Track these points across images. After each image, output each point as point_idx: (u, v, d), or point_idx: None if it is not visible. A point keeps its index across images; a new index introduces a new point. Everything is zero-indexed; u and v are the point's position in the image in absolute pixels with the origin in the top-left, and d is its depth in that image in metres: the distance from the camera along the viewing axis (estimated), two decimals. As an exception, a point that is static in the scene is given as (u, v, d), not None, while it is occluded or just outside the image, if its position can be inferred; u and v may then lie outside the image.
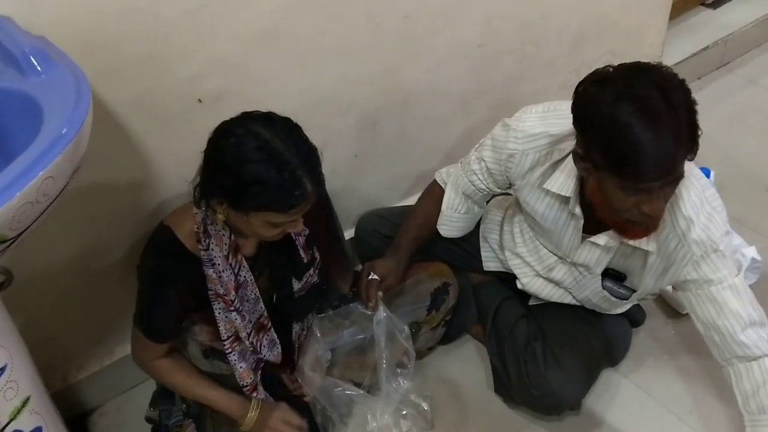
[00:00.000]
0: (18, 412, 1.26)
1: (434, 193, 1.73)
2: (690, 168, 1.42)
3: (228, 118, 1.35)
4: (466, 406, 1.80)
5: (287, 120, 1.33)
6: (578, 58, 2.31)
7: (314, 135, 1.83)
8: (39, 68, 1.13)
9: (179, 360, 1.56)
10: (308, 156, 1.30)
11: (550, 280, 1.68)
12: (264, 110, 1.36)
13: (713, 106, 2.73)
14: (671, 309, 1.98)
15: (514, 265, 1.75)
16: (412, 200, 2.05)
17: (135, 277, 1.50)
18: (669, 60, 2.70)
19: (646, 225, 1.35)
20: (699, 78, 2.85)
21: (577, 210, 1.46)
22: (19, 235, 1.01)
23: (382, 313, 1.57)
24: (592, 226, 1.49)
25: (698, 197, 1.40)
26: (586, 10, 2.23)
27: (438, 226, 1.72)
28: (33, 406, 1.29)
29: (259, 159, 1.25)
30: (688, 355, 1.87)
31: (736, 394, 1.45)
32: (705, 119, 2.81)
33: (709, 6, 3.05)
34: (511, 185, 1.60)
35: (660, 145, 1.18)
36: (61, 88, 1.10)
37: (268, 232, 1.36)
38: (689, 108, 1.21)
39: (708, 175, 1.95)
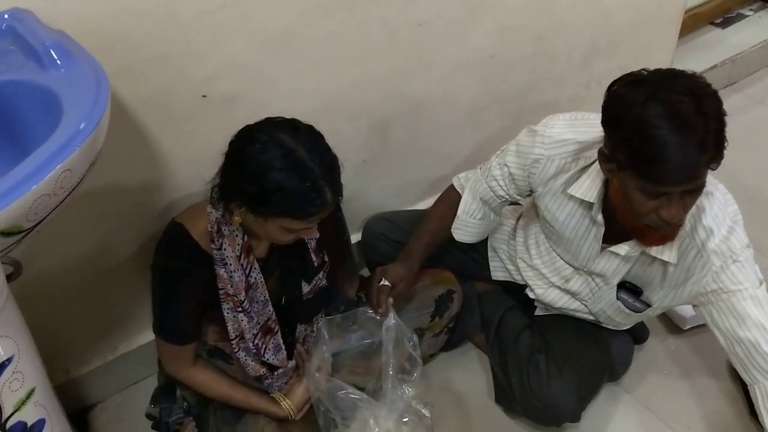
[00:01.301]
0: (23, 403, 1.26)
1: (450, 199, 1.73)
2: (715, 183, 1.43)
3: (251, 123, 1.36)
4: (467, 414, 1.80)
5: (311, 128, 1.34)
6: (588, 72, 2.32)
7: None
8: (59, 62, 1.14)
9: (211, 370, 1.58)
10: (331, 166, 1.32)
11: (566, 291, 1.68)
12: (278, 113, 1.37)
13: (720, 125, 2.74)
14: (672, 324, 1.98)
15: (527, 277, 1.75)
16: (419, 207, 2.06)
17: (142, 274, 1.51)
18: (677, 77, 2.71)
19: (665, 233, 1.35)
20: (706, 96, 2.87)
21: (599, 217, 1.47)
22: (35, 226, 1.02)
23: (392, 319, 1.57)
24: (611, 237, 1.49)
25: (721, 210, 1.41)
26: (598, 25, 2.24)
27: (452, 231, 1.72)
28: (37, 398, 1.30)
29: (282, 167, 1.26)
30: (688, 371, 1.88)
31: (762, 413, 1.45)
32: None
33: (718, 25, 3.07)
34: (531, 192, 1.61)
35: (685, 150, 1.19)
36: (81, 82, 1.11)
37: (283, 237, 1.37)
38: (719, 118, 1.21)
39: (714, 193, 1.96)
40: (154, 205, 1.66)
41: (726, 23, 3.08)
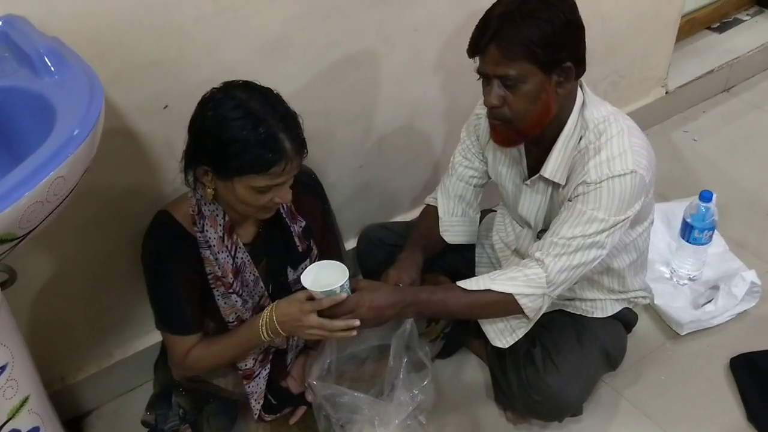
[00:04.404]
0: (17, 411, 1.26)
1: (429, 212, 1.76)
2: (616, 112, 1.48)
3: None
4: (464, 420, 1.80)
5: (268, 89, 1.36)
6: (584, 77, 2.31)
7: (320, 144, 1.85)
8: (53, 69, 1.15)
9: (204, 340, 1.53)
10: (285, 116, 1.32)
11: (519, 254, 1.71)
12: None
13: (717, 130, 2.74)
14: (670, 330, 1.98)
15: (498, 249, 1.79)
16: (416, 213, 2.05)
17: (138, 279, 1.51)
18: (674, 82, 2.71)
19: (495, 126, 1.44)
20: (704, 101, 2.87)
21: (516, 151, 1.56)
22: (28, 233, 1.02)
23: (407, 324, 1.56)
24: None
25: (619, 138, 1.42)
26: (594, 30, 2.23)
27: (442, 234, 1.74)
28: (32, 406, 1.30)
29: (235, 117, 1.28)
30: (686, 377, 1.87)
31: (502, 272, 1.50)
32: (708, 142, 2.83)
33: (715, 30, 3.07)
34: (485, 155, 1.68)
35: (479, 23, 1.37)
36: (74, 89, 1.12)
37: (255, 201, 1.36)
38: (551, 21, 1.32)
39: (711, 198, 1.96)
40: (149, 211, 1.64)
41: (723, 28, 3.08)
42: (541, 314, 1.50)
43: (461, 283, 1.48)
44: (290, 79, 1.67)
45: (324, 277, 1.39)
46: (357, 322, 1.38)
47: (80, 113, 1.06)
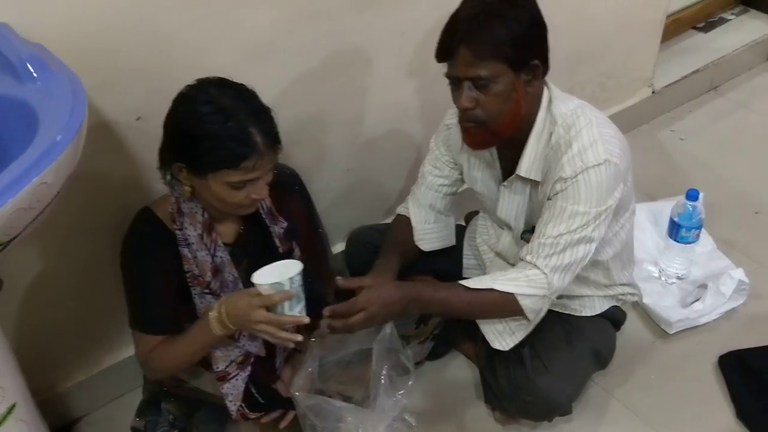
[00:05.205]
0: (3, 419, 1.26)
1: (402, 221, 1.76)
2: (583, 105, 1.49)
3: None
4: (453, 421, 1.80)
5: (241, 84, 1.36)
6: (571, 78, 2.33)
7: (308, 147, 1.85)
8: (35, 75, 1.14)
9: (165, 339, 1.49)
10: (257, 110, 1.33)
11: (500, 256, 1.72)
12: None
13: (703, 129, 2.75)
14: (659, 329, 1.99)
15: (483, 251, 1.80)
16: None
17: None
18: (660, 82, 2.73)
19: (469, 129, 1.44)
20: (690, 100, 2.88)
21: (493, 152, 1.57)
22: (12, 240, 1.01)
23: (387, 328, 1.56)
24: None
25: (588, 129, 1.43)
26: (580, 31, 2.25)
27: (417, 243, 1.74)
28: (19, 414, 1.29)
29: (206, 112, 1.29)
30: (676, 375, 1.88)
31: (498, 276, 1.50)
32: (696, 141, 2.84)
33: (700, 29, 3.09)
34: (456, 163, 1.69)
35: (445, 27, 1.38)
36: (57, 95, 1.12)
37: (230, 197, 1.35)
38: (518, 20, 1.34)
39: (697, 197, 1.96)
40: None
41: (708, 27, 3.10)
42: (541, 317, 1.51)
43: (464, 282, 1.49)
44: (278, 82, 1.68)
45: (281, 275, 1.36)
46: (306, 319, 1.37)
47: (63, 119, 1.06)
